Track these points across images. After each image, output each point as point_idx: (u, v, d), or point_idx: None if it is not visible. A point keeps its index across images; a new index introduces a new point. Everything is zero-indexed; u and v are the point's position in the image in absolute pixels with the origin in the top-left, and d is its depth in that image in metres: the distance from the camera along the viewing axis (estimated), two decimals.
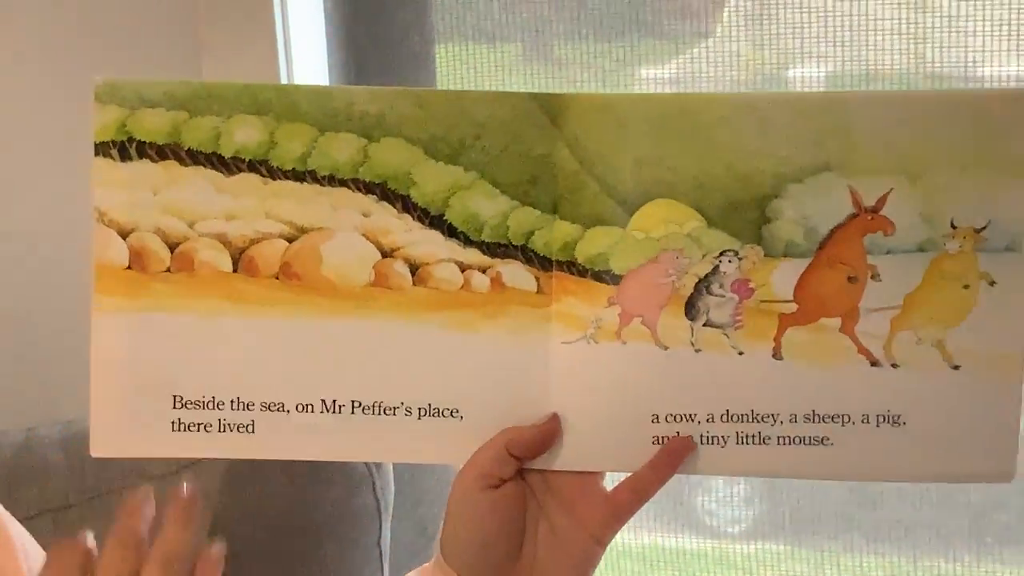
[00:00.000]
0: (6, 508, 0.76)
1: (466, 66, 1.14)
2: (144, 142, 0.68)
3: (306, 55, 1.12)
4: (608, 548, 0.71)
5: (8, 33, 1.16)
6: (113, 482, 0.93)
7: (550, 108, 0.68)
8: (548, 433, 0.69)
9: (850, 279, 0.69)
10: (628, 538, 1.23)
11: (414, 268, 0.69)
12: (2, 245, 1.16)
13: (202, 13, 1.09)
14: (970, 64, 1.02)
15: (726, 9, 1.07)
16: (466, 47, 1.13)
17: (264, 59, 1.08)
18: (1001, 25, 1.00)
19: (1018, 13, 1.00)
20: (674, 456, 0.70)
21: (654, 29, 1.08)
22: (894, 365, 0.69)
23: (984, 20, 1.01)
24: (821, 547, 1.19)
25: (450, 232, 0.69)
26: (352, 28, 1.13)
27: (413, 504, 1.14)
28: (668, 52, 1.08)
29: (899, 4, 1.02)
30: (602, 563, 0.71)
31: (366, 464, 0.97)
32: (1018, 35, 1.00)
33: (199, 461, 0.94)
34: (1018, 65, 1.01)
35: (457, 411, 0.70)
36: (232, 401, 0.70)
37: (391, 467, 1.00)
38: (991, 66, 1.02)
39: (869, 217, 0.68)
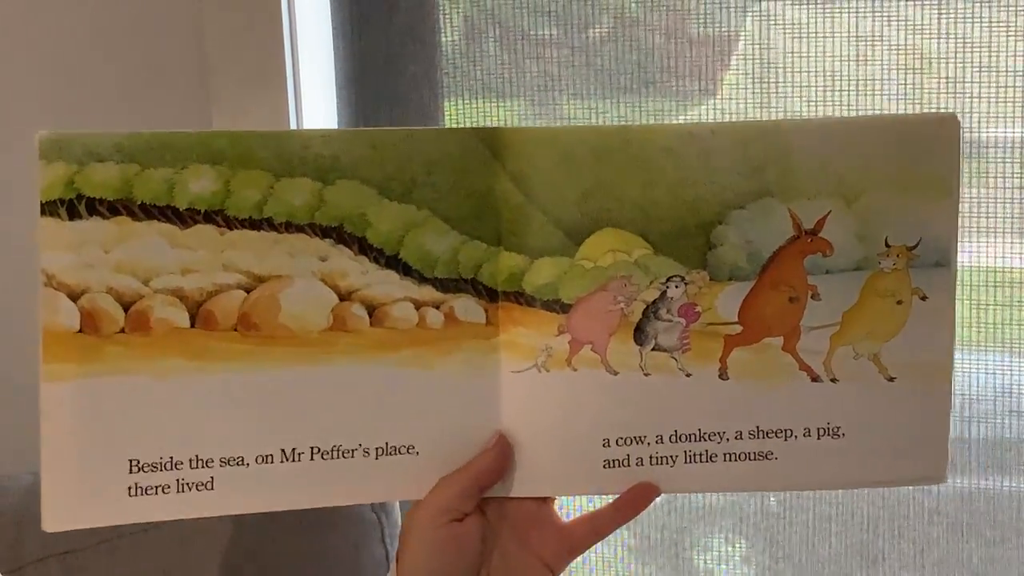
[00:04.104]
0: (14, 552, 0.74)
1: (473, 122, 1.14)
2: (94, 198, 0.66)
3: (316, 111, 1.11)
4: None
5: (16, 89, 1.12)
6: (122, 527, 0.91)
7: (491, 143, 0.69)
8: (501, 452, 0.70)
9: (792, 299, 0.71)
10: None
11: (371, 309, 0.69)
12: (7, 289, 1.12)
13: (212, 67, 1.07)
14: (973, 127, 1.05)
15: (731, 69, 1.08)
16: (474, 103, 1.13)
17: (274, 114, 1.06)
18: (1004, 89, 1.03)
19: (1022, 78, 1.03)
20: (638, 500, 0.71)
21: (660, 87, 1.09)
22: (833, 380, 0.72)
23: (988, 85, 1.03)
24: None
25: (405, 271, 0.69)
26: (361, 83, 1.11)
27: None
28: (674, 110, 1.09)
29: (903, 67, 1.04)
30: None
31: (374, 512, 0.96)
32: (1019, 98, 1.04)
33: None
34: (1019, 129, 1.05)
35: (413, 447, 0.70)
36: (191, 460, 0.68)
37: (399, 515, 0.99)
38: (993, 129, 1.05)
39: (809, 239, 0.70)
